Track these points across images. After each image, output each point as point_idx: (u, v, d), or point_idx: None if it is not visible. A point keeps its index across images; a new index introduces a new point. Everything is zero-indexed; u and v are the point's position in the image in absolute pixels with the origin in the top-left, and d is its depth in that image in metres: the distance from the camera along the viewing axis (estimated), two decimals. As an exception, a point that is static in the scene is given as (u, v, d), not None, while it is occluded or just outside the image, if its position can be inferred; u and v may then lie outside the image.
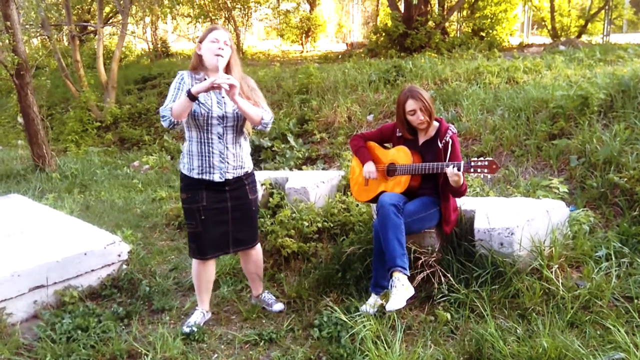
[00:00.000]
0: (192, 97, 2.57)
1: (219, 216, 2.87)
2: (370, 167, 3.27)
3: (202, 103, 2.71)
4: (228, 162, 2.82)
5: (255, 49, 17.00)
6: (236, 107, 2.72)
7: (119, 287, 3.46)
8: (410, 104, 3.05)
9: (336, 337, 2.75)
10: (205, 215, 2.84)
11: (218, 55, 2.71)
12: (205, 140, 2.78)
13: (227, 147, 2.81)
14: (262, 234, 3.80)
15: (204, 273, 3.01)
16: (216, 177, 2.81)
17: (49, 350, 2.70)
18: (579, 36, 11.93)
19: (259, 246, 3.13)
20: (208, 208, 2.84)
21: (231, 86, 2.58)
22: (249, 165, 2.96)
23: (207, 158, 2.79)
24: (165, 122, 2.67)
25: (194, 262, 3.00)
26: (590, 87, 4.98)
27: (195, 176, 2.81)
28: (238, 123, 2.82)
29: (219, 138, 2.79)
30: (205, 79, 2.74)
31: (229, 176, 2.84)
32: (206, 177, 2.81)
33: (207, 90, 2.59)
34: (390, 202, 2.93)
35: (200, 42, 2.79)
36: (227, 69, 2.78)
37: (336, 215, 4.00)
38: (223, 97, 2.75)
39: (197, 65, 2.83)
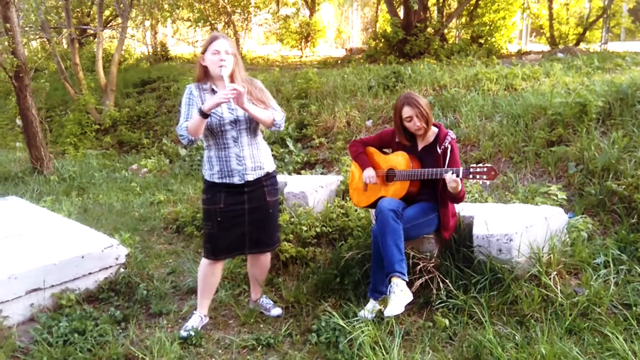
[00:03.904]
0: (205, 115, 2.63)
1: (235, 218, 2.88)
2: (370, 172, 3.28)
3: (213, 112, 2.73)
4: (246, 164, 2.84)
5: (255, 53, 17.05)
6: None
7: (116, 290, 3.45)
8: (407, 111, 3.06)
9: (334, 343, 2.74)
10: (221, 217, 2.85)
11: (222, 66, 2.73)
12: (222, 146, 2.82)
13: (243, 150, 2.83)
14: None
15: (211, 275, 3.01)
16: (236, 180, 2.83)
17: (46, 354, 2.68)
18: (577, 44, 12.01)
19: (268, 253, 3.13)
20: (225, 210, 2.85)
21: (238, 94, 2.61)
22: (269, 166, 2.97)
23: (225, 162, 2.82)
24: (184, 140, 2.73)
25: (203, 262, 3.00)
26: (589, 94, 5.00)
27: (217, 180, 2.85)
28: (251, 125, 2.85)
29: (234, 141, 2.82)
30: (212, 89, 2.81)
31: (249, 178, 2.86)
32: (226, 180, 2.83)
33: (217, 106, 2.64)
34: (389, 207, 2.93)
35: (203, 53, 2.82)
36: (231, 76, 2.80)
37: (335, 220, 4.00)
38: (233, 108, 2.78)
39: (202, 76, 2.87)
